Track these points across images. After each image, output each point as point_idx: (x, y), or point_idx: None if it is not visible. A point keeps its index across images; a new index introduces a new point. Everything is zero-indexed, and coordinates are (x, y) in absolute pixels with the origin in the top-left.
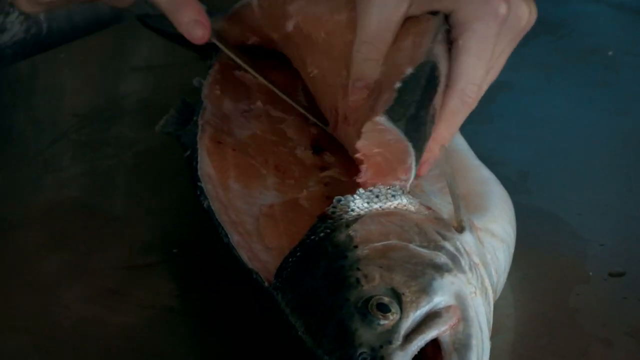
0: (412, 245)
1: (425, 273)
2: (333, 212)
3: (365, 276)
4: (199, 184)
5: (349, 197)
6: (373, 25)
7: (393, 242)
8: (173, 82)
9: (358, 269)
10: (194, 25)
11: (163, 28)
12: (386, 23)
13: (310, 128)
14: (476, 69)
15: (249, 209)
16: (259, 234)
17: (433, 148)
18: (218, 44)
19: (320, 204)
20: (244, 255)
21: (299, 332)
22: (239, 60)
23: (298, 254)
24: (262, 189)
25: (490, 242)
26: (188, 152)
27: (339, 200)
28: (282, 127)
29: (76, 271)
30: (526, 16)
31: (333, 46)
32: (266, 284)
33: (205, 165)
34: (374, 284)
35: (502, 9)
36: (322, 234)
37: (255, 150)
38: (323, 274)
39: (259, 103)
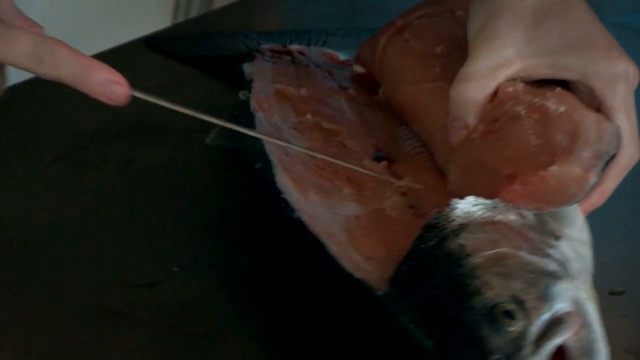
0: (522, 253)
1: (541, 280)
2: (437, 222)
3: (485, 284)
4: (282, 195)
5: (453, 206)
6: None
7: (503, 249)
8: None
9: (476, 277)
10: (111, 85)
11: (170, 49)
12: (490, 70)
13: (369, 139)
14: (632, 125)
15: (335, 220)
16: (352, 245)
17: (600, 202)
18: (140, 94)
19: (405, 213)
20: (347, 265)
21: (420, 340)
22: (171, 106)
23: (410, 263)
24: (341, 200)
25: (579, 248)
26: (259, 165)
27: (441, 211)
28: (340, 140)
29: (76, 290)
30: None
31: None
32: (379, 293)
33: (283, 178)
34: (495, 291)
35: (630, 70)
36: (431, 243)
37: (322, 162)
38: (441, 282)
39: (308, 116)
